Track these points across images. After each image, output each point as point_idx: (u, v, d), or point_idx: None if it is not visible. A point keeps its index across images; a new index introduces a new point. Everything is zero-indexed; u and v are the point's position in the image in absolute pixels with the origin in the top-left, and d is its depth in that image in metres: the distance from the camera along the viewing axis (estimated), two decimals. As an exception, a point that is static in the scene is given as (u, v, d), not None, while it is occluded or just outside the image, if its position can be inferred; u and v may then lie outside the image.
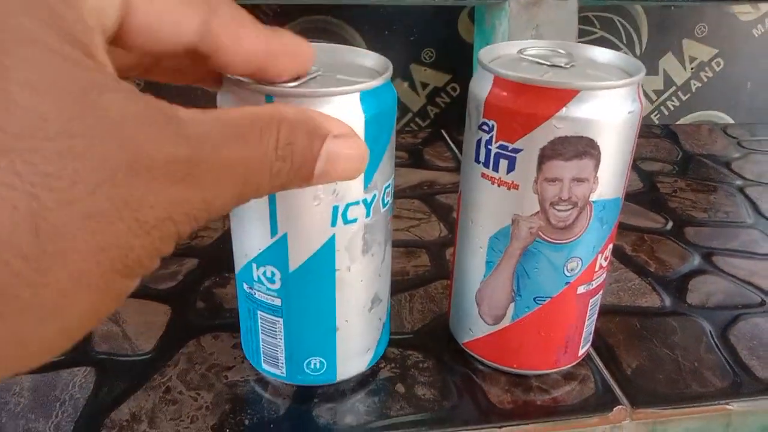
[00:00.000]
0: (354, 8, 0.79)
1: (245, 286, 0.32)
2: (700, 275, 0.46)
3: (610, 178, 0.30)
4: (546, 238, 0.31)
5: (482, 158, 0.31)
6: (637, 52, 0.90)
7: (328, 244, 0.29)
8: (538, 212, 0.30)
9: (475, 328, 0.35)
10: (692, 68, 0.93)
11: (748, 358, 0.37)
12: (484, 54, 0.32)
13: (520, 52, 0.33)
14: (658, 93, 0.93)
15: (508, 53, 0.33)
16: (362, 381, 0.35)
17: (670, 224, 0.52)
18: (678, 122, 0.93)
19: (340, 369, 0.33)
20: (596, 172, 0.30)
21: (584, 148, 0.29)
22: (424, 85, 0.86)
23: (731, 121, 0.95)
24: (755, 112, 0.95)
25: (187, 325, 0.39)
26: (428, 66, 0.85)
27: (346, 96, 0.27)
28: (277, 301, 0.31)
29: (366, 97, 0.27)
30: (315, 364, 0.32)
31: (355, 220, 0.29)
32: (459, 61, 0.84)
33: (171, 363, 0.36)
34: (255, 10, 0.75)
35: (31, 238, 0.13)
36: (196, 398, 0.33)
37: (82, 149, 0.14)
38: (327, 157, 0.20)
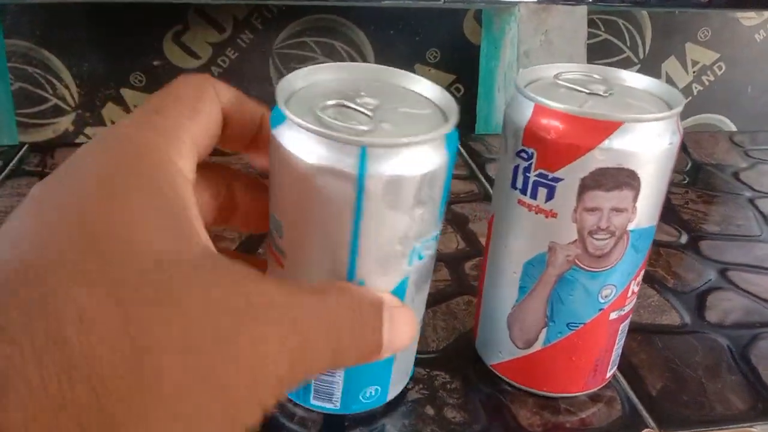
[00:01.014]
0: (359, 8, 0.79)
1: None
2: (717, 291, 0.46)
3: (647, 207, 0.30)
4: (582, 266, 0.31)
5: (519, 185, 0.31)
6: (641, 55, 0.91)
7: (403, 282, 0.28)
8: (575, 240, 0.30)
9: (504, 352, 0.35)
10: (694, 72, 0.93)
11: (769, 379, 0.38)
12: (521, 78, 0.32)
13: (557, 76, 0.33)
14: (660, 96, 0.93)
15: (544, 77, 0.33)
16: (391, 403, 0.35)
17: (684, 237, 0.53)
18: (679, 125, 0.94)
19: (390, 393, 0.33)
20: (635, 202, 0.30)
21: (625, 179, 0.29)
22: (429, 86, 0.86)
23: (731, 124, 0.96)
24: (756, 116, 0.96)
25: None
26: (433, 66, 0.85)
27: (434, 141, 0.25)
28: None
29: (449, 138, 0.26)
30: (371, 392, 0.32)
31: (423, 257, 0.28)
32: (464, 62, 0.84)
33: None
34: (260, 9, 0.74)
35: None
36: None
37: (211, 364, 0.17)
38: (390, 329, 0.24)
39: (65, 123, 0.77)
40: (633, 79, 0.33)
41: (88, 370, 0.15)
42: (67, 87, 0.76)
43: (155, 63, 0.77)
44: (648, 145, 0.29)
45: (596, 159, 0.28)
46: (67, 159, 0.20)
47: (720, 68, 0.93)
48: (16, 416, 0.13)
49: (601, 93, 0.31)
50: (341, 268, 0.26)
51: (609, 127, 0.28)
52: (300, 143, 0.24)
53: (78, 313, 0.15)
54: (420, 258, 0.28)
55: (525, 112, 0.30)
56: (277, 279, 0.21)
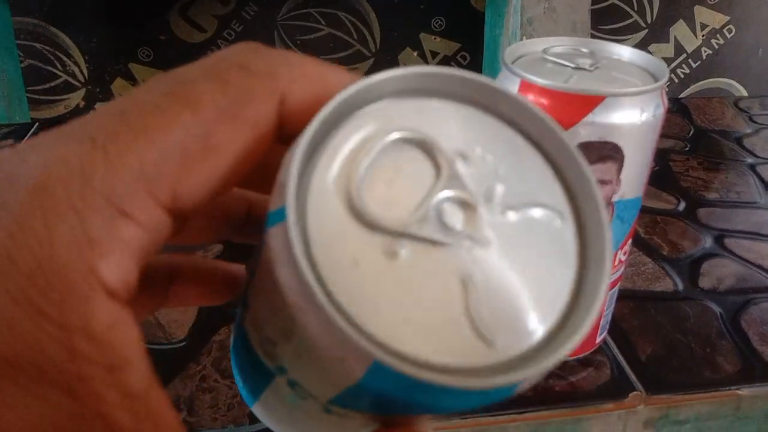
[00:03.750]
0: (364, -22, 0.79)
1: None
2: (712, 258, 0.47)
3: (632, 178, 0.31)
4: (568, 236, 0.32)
5: (507, 159, 0.32)
6: (648, 19, 0.90)
7: None
8: (561, 212, 0.31)
9: (496, 319, 0.36)
10: (703, 36, 0.92)
11: (758, 344, 0.39)
12: (509, 54, 0.33)
13: (544, 51, 0.33)
14: (669, 61, 0.92)
15: (531, 52, 0.34)
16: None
17: (682, 205, 0.53)
18: (688, 90, 0.93)
19: None
20: (619, 174, 0.30)
21: (608, 152, 0.30)
22: (434, 54, 0.86)
23: (741, 88, 0.95)
24: (766, 79, 0.95)
25: (217, 311, 0.40)
26: (438, 35, 0.84)
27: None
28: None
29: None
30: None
31: None
32: (469, 30, 0.84)
33: (204, 351, 0.37)
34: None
35: None
36: (230, 386, 0.35)
37: None
38: None
39: (76, 99, 0.78)
40: (620, 51, 0.33)
41: None
42: (76, 63, 0.77)
43: (162, 37, 0.77)
44: (630, 119, 0.29)
45: (579, 134, 0.29)
46: None
47: (730, 31, 0.92)
48: None
49: (587, 67, 0.32)
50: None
51: (591, 102, 0.29)
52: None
53: None
54: None
55: (512, 88, 0.31)
56: None
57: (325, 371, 0.13)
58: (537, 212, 0.14)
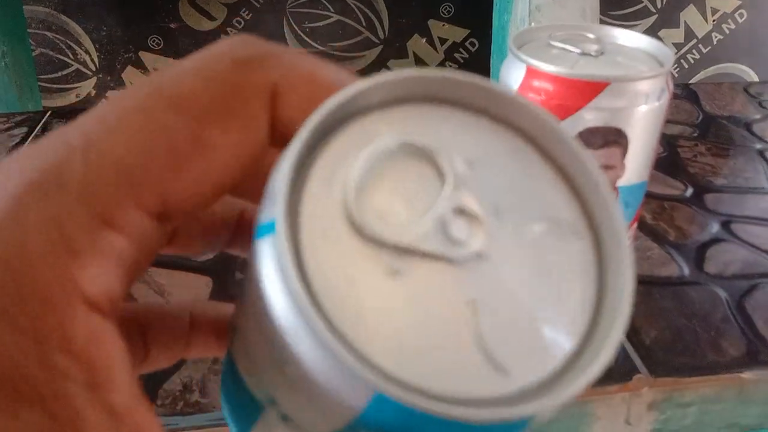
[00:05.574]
0: (373, -36, 0.79)
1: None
2: (718, 243, 0.47)
3: (636, 164, 0.31)
4: (573, 221, 0.32)
5: (513, 144, 0.32)
6: (659, 4, 0.89)
7: None
8: (566, 197, 0.32)
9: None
10: (714, 20, 0.91)
11: (763, 328, 0.39)
12: (515, 40, 0.33)
13: (551, 37, 0.33)
14: (678, 46, 0.92)
15: (538, 38, 0.34)
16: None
17: (689, 191, 0.54)
18: (698, 75, 0.93)
19: None
20: (623, 159, 0.31)
21: (613, 137, 0.30)
22: (443, 41, 0.86)
23: (752, 73, 0.95)
24: (777, 65, 0.94)
25: (228, 295, 0.41)
26: (446, 21, 0.84)
27: None
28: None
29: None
30: None
31: None
32: (478, 16, 0.83)
33: (215, 335, 0.38)
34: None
35: None
36: (241, 369, 0.36)
37: None
38: None
39: (87, 87, 0.79)
40: (626, 37, 0.33)
41: None
42: (87, 52, 0.78)
43: (172, 26, 0.78)
44: (635, 104, 0.29)
45: (584, 119, 0.29)
46: None
47: (741, 15, 0.92)
48: None
49: (593, 53, 0.32)
50: None
51: (596, 88, 0.29)
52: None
53: None
54: None
55: (518, 74, 0.31)
56: None
57: (321, 404, 0.12)
58: (550, 228, 0.13)
